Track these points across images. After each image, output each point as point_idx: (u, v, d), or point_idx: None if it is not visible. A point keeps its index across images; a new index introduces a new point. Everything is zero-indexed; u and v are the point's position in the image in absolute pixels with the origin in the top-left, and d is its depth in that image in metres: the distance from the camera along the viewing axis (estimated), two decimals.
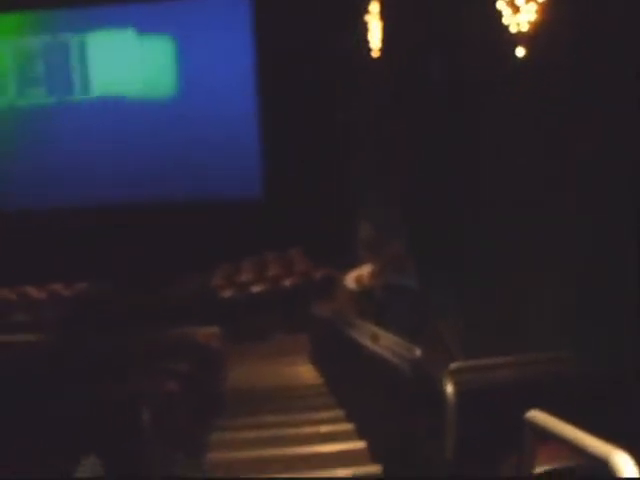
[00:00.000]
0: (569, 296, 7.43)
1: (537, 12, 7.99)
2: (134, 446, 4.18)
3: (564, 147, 7.41)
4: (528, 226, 8.26)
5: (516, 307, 8.47)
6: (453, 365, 4.42)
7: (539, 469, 3.16)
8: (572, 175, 7.39)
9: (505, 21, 8.20)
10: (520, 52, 8.15)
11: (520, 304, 8.39)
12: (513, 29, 8.16)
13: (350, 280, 12.34)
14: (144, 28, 19.85)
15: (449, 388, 4.09)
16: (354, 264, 16.95)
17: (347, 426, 7.79)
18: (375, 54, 14.20)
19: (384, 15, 13.97)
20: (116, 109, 19.73)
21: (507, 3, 8.20)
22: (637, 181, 6.02)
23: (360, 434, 7.27)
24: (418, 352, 5.24)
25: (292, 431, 7.85)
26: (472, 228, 10.11)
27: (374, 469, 6.24)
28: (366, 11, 14.49)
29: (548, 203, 7.88)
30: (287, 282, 16.55)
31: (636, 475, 2.31)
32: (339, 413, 8.55)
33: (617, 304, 6.54)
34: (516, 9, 8.20)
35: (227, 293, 16.37)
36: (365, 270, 12.33)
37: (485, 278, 9.48)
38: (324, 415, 8.58)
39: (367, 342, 7.20)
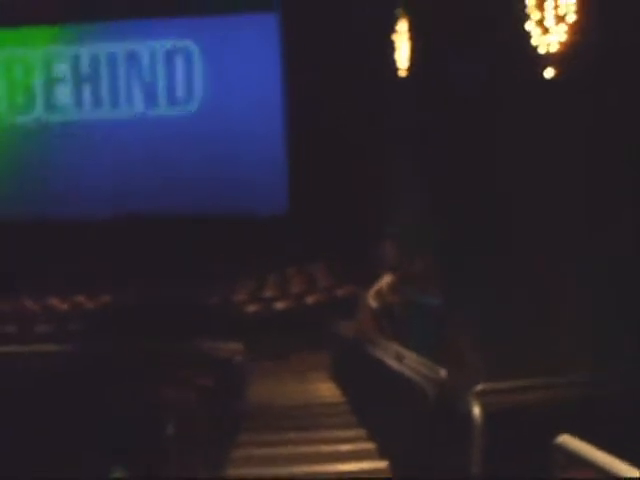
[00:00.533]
0: (596, 316, 7.39)
1: (567, 33, 7.98)
2: (158, 458, 4.17)
3: (590, 164, 7.38)
4: (554, 247, 8.22)
5: (543, 327, 8.42)
6: (479, 387, 4.38)
7: None
8: (596, 193, 7.37)
9: (534, 42, 8.19)
10: (549, 73, 8.14)
11: (547, 324, 8.34)
12: (542, 50, 8.15)
13: (371, 297, 12.34)
14: (172, 43, 19.97)
15: (476, 410, 4.05)
16: (376, 282, 16.96)
17: (368, 445, 7.74)
18: (402, 73, 14.22)
19: (412, 34, 14.00)
20: (144, 125, 19.83)
21: (536, 23, 8.20)
22: None
23: (382, 454, 7.23)
24: (443, 373, 5.20)
25: (313, 449, 7.81)
26: (500, 246, 10.07)
27: None
28: (394, 30, 14.52)
29: (573, 224, 7.85)
30: (310, 299, 16.53)
31: None
32: (360, 432, 8.50)
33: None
34: (545, 30, 8.18)
35: (251, 309, 16.38)
36: (384, 282, 12.34)
37: (512, 298, 9.44)
38: (345, 434, 8.54)
39: (391, 361, 7.16)
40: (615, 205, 7.10)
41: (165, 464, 4.26)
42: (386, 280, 12.44)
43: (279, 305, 16.35)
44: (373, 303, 12.31)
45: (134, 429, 4.41)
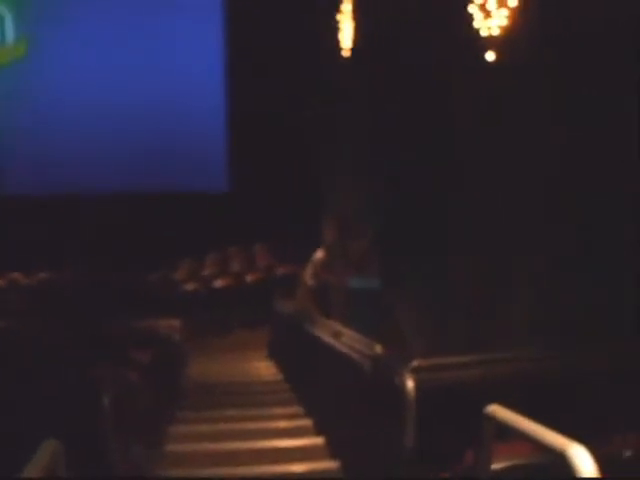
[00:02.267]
0: (536, 297, 7.52)
1: (508, 17, 8.06)
2: (93, 432, 4.17)
3: (539, 141, 7.49)
4: (500, 227, 8.32)
5: (482, 307, 8.53)
6: (414, 362, 4.45)
7: (498, 465, 3.20)
8: (548, 170, 7.47)
9: (476, 25, 8.26)
10: (490, 56, 8.21)
11: (486, 304, 8.46)
12: (484, 33, 8.23)
13: (307, 275, 12.41)
14: (114, 17, 19.67)
15: (409, 384, 4.11)
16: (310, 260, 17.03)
17: (306, 422, 7.81)
18: (346, 53, 14.22)
19: (356, 15, 14.00)
20: (82, 101, 19.50)
21: (479, 7, 8.27)
22: (610, 166, 6.13)
23: (319, 430, 7.30)
24: (378, 349, 5.26)
25: (251, 425, 7.86)
26: (440, 227, 10.16)
27: (332, 465, 6.27)
28: (337, 10, 14.51)
29: (526, 202, 7.95)
30: (249, 278, 16.53)
31: (593, 468, 2.33)
32: (298, 409, 8.56)
33: (585, 306, 6.63)
34: (487, 14, 8.26)
35: (190, 287, 16.34)
36: (317, 259, 12.43)
37: (451, 278, 9.54)
38: (283, 411, 8.60)
39: (328, 338, 7.22)
40: (567, 186, 7.21)
41: (101, 438, 4.25)
42: (319, 256, 12.52)
43: (218, 283, 16.33)
44: (309, 281, 12.39)
45: (69, 404, 4.39)
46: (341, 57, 14.42)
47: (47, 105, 19.28)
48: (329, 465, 6.28)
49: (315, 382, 7.97)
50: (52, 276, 17.35)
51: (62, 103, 19.26)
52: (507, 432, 2.99)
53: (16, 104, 19.45)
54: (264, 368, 12.46)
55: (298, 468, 6.28)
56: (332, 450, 6.56)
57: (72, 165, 19.22)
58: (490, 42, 8.09)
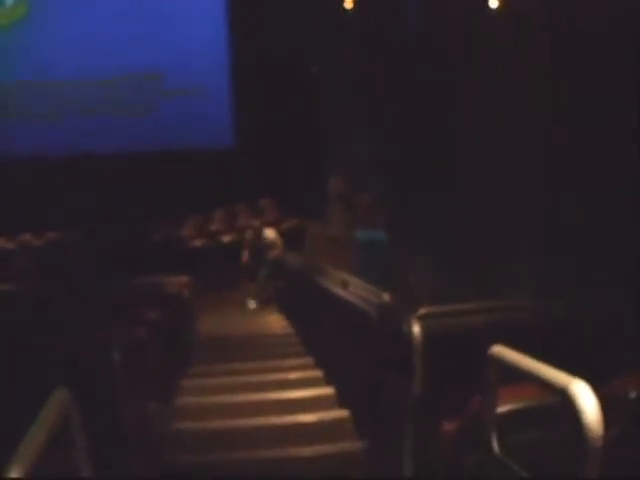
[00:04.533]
0: (536, 249, 7.53)
1: None
2: (105, 386, 4.22)
3: (541, 94, 7.45)
4: (501, 180, 8.32)
5: (485, 258, 8.56)
6: (421, 310, 4.49)
7: (504, 409, 3.23)
8: (548, 125, 7.44)
9: None
10: (494, 3, 8.15)
11: (488, 255, 8.48)
12: None
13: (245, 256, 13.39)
14: None
15: (416, 330, 4.15)
16: (324, 215, 17.05)
17: (315, 372, 7.87)
18: (348, 5, 14.11)
19: None
20: (82, 61, 19.36)
21: None
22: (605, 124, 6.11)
23: (328, 380, 7.36)
24: (386, 297, 5.30)
25: (261, 378, 7.92)
26: (443, 179, 10.16)
27: (341, 414, 6.33)
28: None
29: (522, 157, 7.93)
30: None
31: (594, 403, 2.38)
32: (308, 360, 8.63)
33: (581, 258, 6.64)
34: None
35: (197, 243, 16.39)
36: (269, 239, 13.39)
37: (456, 229, 9.56)
38: (293, 362, 8.66)
39: (336, 289, 7.26)
40: (568, 139, 7.19)
41: (112, 393, 4.30)
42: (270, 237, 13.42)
43: (226, 238, 16.37)
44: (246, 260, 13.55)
45: (80, 361, 4.44)
46: (344, 8, 14.30)
47: (47, 66, 19.17)
48: (339, 414, 6.34)
49: (324, 333, 8.03)
50: (60, 236, 17.41)
51: (62, 64, 19.14)
52: (512, 377, 3.03)
53: (16, 66, 19.34)
54: (274, 321, 12.53)
55: (308, 418, 6.35)
56: (341, 399, 6.63)
57: (75, 126, 19.18)
58: None
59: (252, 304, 13.82)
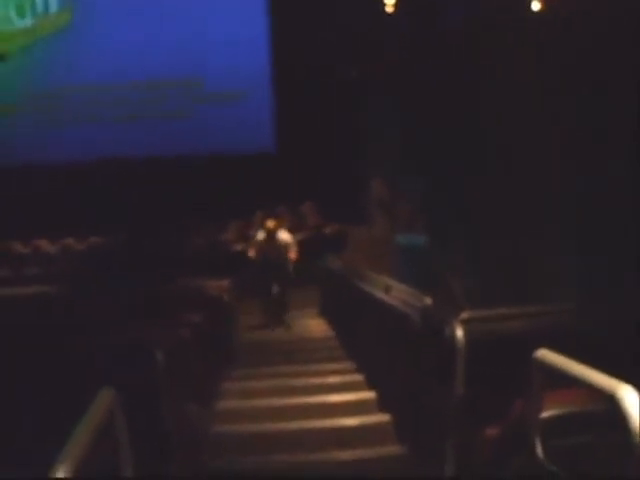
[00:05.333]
0: (580, 251, 7.46)
1: None
2: (148, 387, 4.24)
3: (577, 96, 7.39)
4: (542, 185, 8.25)
5: (527, 261, 8.49)
6: (464, 314, 4.45)
7: (547, 414, 3.20)
8: (588, 129, 7.37)
9: None
10: (536, 5, 8.10)
11: (532, 259, 8.41)
12: None
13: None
14: None
15: (459, 334, 4.12)
16: (365, 219, 17.04)
17: (357, 377, 7.87)
18: (389, 9, 14.08)
19: None
20: (126, 67, 19.53)
21: None
22: None
23: (370, 384, 7.35)
24: (428, 301, 5.27)
25: (301, 381, 7.94)
26: (486, 185, 10.11)
27: (383, 418, 6.32)
28: None
29: (561, 163, 7.87)
30: (298, 236, 16.56)
31: None
32: (349, 364, 8.63)
33: (622, 262, 6.57)
34: None
35: (238, 247, 16.42)
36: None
37: (497, 234, 9.50)
38: (334, 366, 8.66)
39: (378, 293, 7.24)
40: (603, 136, 7.12)
41: (155, 393, 4.32)
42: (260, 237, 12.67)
43: None
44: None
45: (123, 362, 4.46)
46: (385, 13, 14.27)
47: (91, 73, 19.36)
48: (380, 418, 6.33)
49: (366, 337, 8.02)
50: (103, 240, 17.58)
51: (106, 71, 19.32)
52: (556, 381, 3.00)
53: (61, 71, 19.55)
54: (315, 325, 12.54)
55: (350, 422, 6.35)
56: (383, 403, 6.61)
57: (119, 130, 19.35)
58: None
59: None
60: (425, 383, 4.80)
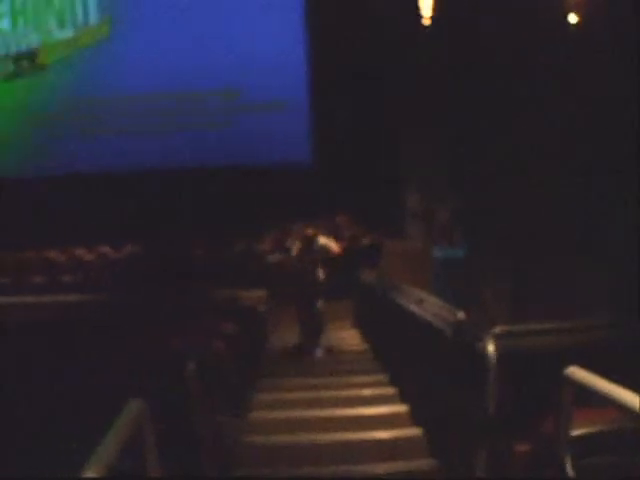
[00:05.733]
0: (614, 268, 7.40)
1: None
2: (179, 396, 4.26)
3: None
4: (575, 198, 8.21)
5: (563, 276, 8.43)
6: (496, 329, 4.43)
7: (578, 432, 3.18)
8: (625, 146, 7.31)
9: None
10: (573, 18, 8.06)
11: (568, 273, 8.35)
12: None
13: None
14: None
15: (491, 349, 4.10)
16: (402, 232, 17.00)
17: (390, 389, 7.85)
18: (426, 22, 14.08)
19: None
20: (163, 78, 19.66)
21: None
22: None
23: (403, 397, 7.32)
24: (461, 315, 5.25)
25: (335, 393, 7.93)
26: (522, 197, 10.05)
27: (415, 432, 6.30)
28: None
29: (595, 180, 7.81)
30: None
31: None
32: (382, 377, 8.60)
33: None
34: None
35: (275, 258, 16.45)
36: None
37: (534, 248, 9.44)
38: (367, 379, 8.64)
39: (411, 306, 7.22)
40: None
41: (186, 405, 4.34)
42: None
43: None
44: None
45: (155, 373, 4.49)
46: (421, 25, 14.27)
47: (129, 83, 19.53)
48: (412, 432, 6.31)
49: (399, 350, 7.99)
50: (139, 249, 17.70)
51: (144, 81, 19.48)
52: (587, 399, 2.98)
53: (99, 84, 19.75)
54: (349, 337, 12.53)
55: (381, 435, 6.32)
56: (415, 417, 6.59)
57: (156, 139, 19.48)
58: (572, 5, 7.94)
59: (319, 352, 11.09)
60: (457, 397, 4.78)
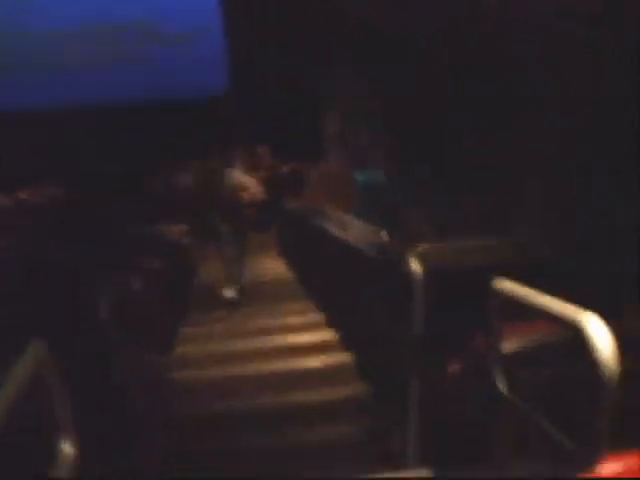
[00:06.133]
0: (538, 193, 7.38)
1: None
2: (96, 339, 4.09)
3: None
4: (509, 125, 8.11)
5: (487, 198, 8.39)
6: (420, 247, 4.34)
7: (509, 345, 3.11)
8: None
9: None
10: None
11: (492, 195, 8.31)
12: None
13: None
14: None
15: (416, 267, 4.00)
16: (321, 157, 16.85)
17: (317, 316, 7.78)
18: None
19: None
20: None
21: None
22: None
23: (330, 324, 7.26)
24: (384, 235, 5.15)
25: (262, 323, 7.85)
26: (452, 122, 9.92)
27: (344, 357, 6.24)
28: None
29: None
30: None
31: (608, 337, 2.21)
32: (309, 304, 8.53)
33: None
34: None
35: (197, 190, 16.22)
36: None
37: (458, 169, 9.37)
38: (294, 306, 8.57)
39: (335, 231, 7.11)
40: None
41: (103, 345, 4.17)
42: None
43: None
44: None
45: (68, 314, 4.30)
46: None
47: (46, 18, 18.92)
48: (342, 358, 6.25)
49: (325, 276, 7.90)
50: (59, 191, 17.26)
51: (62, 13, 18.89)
52: (517, 313, 2.89)
53: (13, 19, 19.10)
54: (275, 267, 12.42)
55: (312, 363, 6.26)
56: (344, 343, 6.53)
57: (71, 77, 18.99)
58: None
59: (229, 293, 9.59)
60: (385, 320, 4.70)
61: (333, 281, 7.20)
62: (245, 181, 10.06)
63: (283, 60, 17.55)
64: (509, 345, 3.07)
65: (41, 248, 9.81)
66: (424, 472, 3.94)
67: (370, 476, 4.22)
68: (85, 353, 3.88)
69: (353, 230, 6.38)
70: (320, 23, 16.71)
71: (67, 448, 2.69)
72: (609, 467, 2.30)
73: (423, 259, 4.07)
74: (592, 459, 2.27)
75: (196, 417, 5.49)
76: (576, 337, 2.25)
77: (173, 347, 7.00)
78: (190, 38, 19.19)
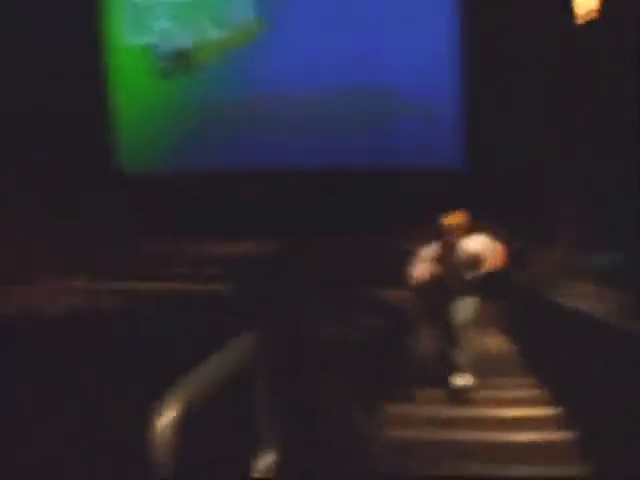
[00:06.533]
0: None
1: None
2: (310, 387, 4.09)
3: None
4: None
5: None
6: None
7: None
8: None
9: None
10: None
11: None
12: None
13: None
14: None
15: None
16: (546, 236, 16.42)
17: (538, 392, 7.48)
18: (580, 21, 13.33)
19: None
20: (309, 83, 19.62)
21: None
22: None
23: (553, 400, 6.95)
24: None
25: (479, 394, 7.64)
26: None
27: (564, 436, 5.95)
28: None
29: None
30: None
31: None
32: (532, 380, 8.22)
33: None
34: None
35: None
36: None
37: None
38: (516, 381, 8.30)
39: (572, 302, 6.84)
40: None
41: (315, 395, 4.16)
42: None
43: None
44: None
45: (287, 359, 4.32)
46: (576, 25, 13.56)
47: (282, 82, 19.59)
48: (561, 436, 5.96)
49: (555, 350, 7.59)
50: (280, 247, 17.73)
51: (288, 85, 19.51)
52: None
53: (251, 83, 19.94)
54: (498, 342, 12.12)
55: (527, 437, 6.02)
56: (566, 421, 6.23)
57: (308, 140, 19.49)
58: None
59: (461, 380, 8.03)
60: (620, 397, 4.40)
61: (565, 355, 6.92)
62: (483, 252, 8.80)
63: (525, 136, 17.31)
64: None
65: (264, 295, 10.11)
66: None
67: None
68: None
69: (589, 301, 6.14)
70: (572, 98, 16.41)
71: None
72: None
73: None
74: None
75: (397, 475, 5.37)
76: None
77: (382, 408, 6.91)
78: (427, 110, 19.25)
